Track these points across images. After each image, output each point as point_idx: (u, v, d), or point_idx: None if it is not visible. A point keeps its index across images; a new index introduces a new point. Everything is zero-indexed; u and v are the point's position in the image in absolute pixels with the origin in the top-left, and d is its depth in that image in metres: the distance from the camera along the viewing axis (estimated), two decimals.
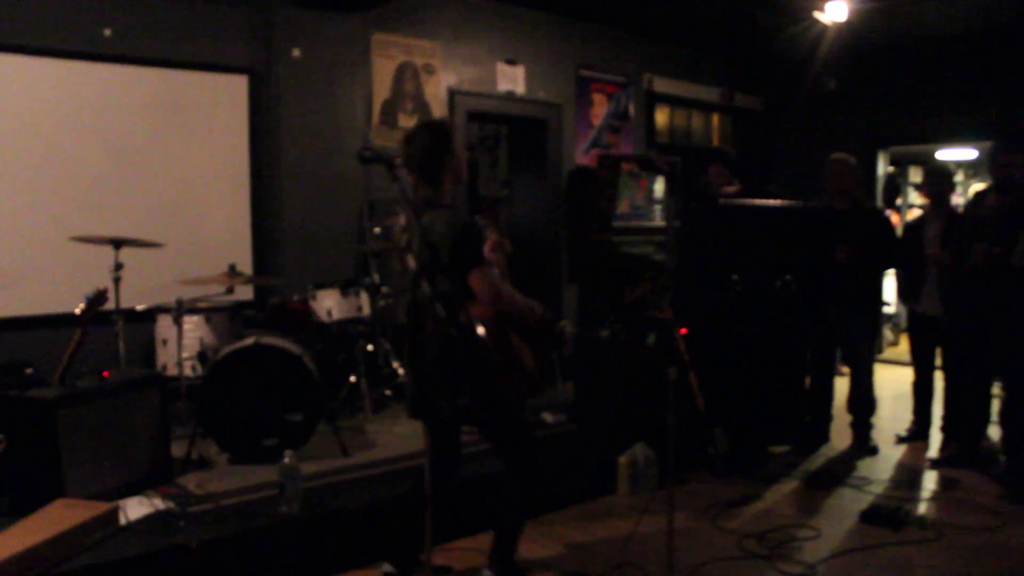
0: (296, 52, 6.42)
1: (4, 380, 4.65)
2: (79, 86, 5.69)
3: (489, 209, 9.32)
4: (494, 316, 3.50)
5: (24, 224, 5.51)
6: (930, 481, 5.45)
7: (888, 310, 9.66)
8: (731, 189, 6.63)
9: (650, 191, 8.62)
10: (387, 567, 3.84)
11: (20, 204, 5.50)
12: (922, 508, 4.96)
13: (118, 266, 5.01)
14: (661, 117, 9.54)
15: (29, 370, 4.93)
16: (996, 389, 5.87)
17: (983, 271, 5.16)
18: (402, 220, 3.66)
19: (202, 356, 5.36)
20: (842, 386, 6.25)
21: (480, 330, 3.42)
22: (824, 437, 6.19)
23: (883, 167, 9.95)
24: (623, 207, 8.31)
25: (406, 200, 3.37)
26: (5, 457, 3.96)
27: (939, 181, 6.12)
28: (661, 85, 9.29)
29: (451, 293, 3.40)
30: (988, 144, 8.93)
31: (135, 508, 3.97)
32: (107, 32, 5.75)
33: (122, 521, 3.80)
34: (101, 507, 3.73)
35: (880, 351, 9.50)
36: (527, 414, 3.93)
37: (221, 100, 6.28)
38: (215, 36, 6.21)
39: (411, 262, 3.57)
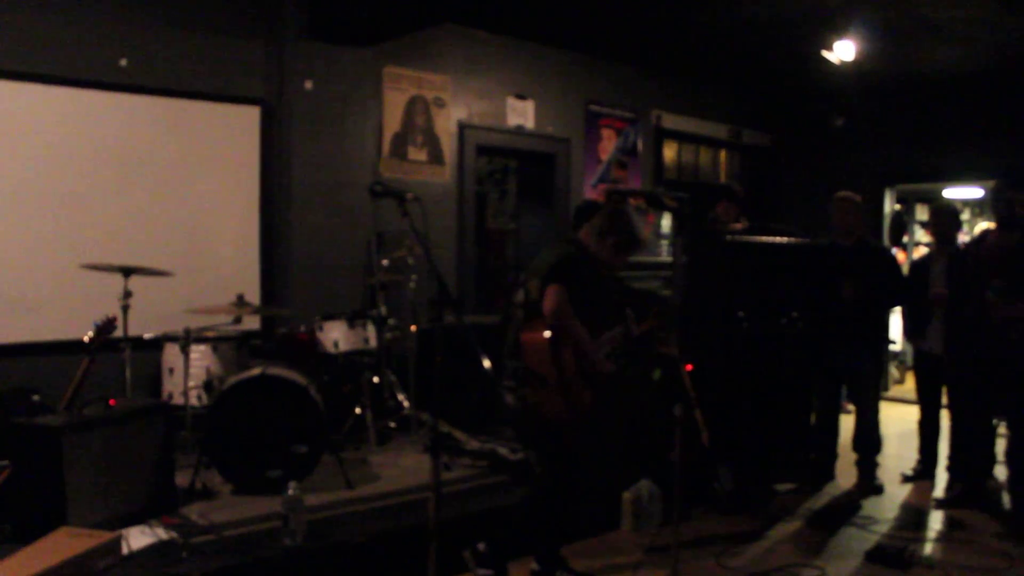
0: (308, 84, 6.49)
1: (11, 406, 4.68)
2: (94, 115, 5.76)
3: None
4: (548, 340, 3.87)
5: (35, 251, 5.55)
6: (936, 521, 5.41)
7: (894, 348, 9.64)
8: (738, 226, 6.65)
9: (657, 226, 8.65)
10: (534, 565, 4.17)
11: (32, 231, 5.55)
12: (928, 548, 4.92)
13: (127, 294, 5.04)
14: (669, 153, 9.58)
15: (36, 397, 4.96)
16: (1002, 429, 5.85)
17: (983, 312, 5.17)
18: (519, 295, 4.11)
19: (208, 385, 5.37)
20: (848, 424, 6.23)
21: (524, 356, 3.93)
22: (829, 475, 6.16)
23: (890, 205, 9.98)
24: None
25: (416, 233, 3.41)
26: (10, 483, 3.96)
27: (945, 220, 6.14)
28: (669, 121, 9.35)
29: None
30: (994, 183, 8.98)
31: (138, 538, 3.96)
32: (123, 62, 5.84)
33: (124, 551, 3.78)
34: (104, 536, 3.71)
35: (886, 389, 9.47)
36: (568, 441, 4.12)
37: (233, 131, 6.35)
38: (229, 67, 6.29)
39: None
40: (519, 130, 7.94)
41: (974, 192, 10.21)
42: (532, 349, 3.92)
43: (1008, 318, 5.13)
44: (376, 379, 6.08)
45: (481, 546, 4.07)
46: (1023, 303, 5.06)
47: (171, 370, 5.47)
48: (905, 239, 11.15)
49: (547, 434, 4.07)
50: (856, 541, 4.98)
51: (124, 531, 3.93)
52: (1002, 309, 5.13)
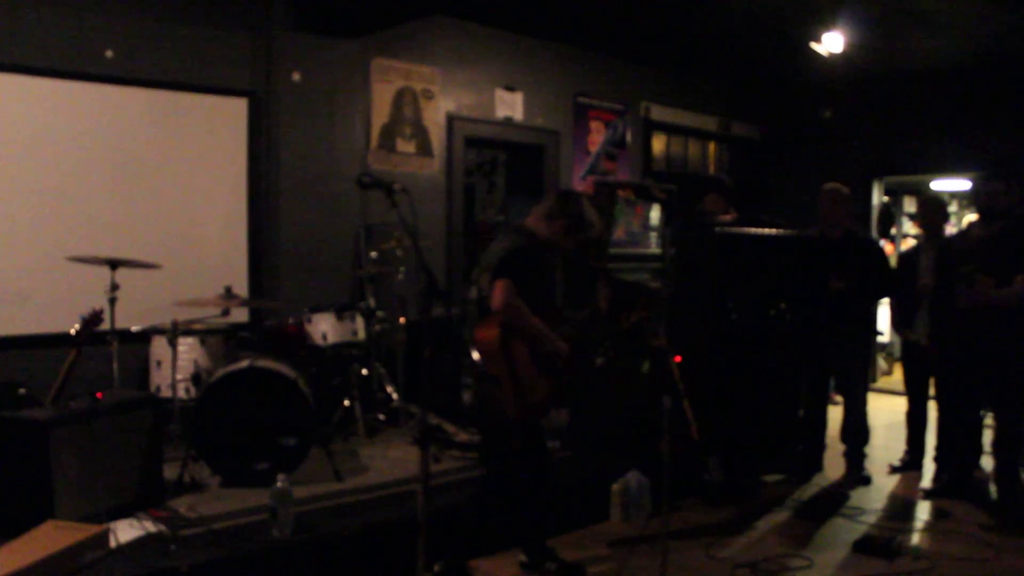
0: (296, 76, 6.46)
1: None
2: (79, 107, 5.71)
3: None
4: (498, 339, 3.80)
5: (21, 243, 5.51)
6: (923, 511, 5.44)
7: (882, 339, 9.68)
8: (727, 218, 6.65)
9: (646, 218, 8.64)
10: (522, 557, 4.25)
11: (17, 223, 5.51)
12: (915, 538, 4.95)
13: (114, 287, 5.01)
14: (658, 145, 9.58)
15: (22, 390, 4.94)
16: (988, 419, 5.88)
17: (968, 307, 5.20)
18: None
19: (196, 378, 5.36)
20: (836, 415, 6.25)
21: (474, 355, 3.64)
22: (817, 466, 6.18)
23: (878, 197, 10.00)
24: (619, 234, 8.33)
25: (405, 225, 3.40)
26: None
27: (933, 211, 6.16)
28: (658, 113, 9.35)
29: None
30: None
31: (126, 531, 3.95)
32: (108, 54, 5.79)
33: (112, 544, 3.77)
34: (91, 529, 3.70)
35: (874, 380, 9.50)
36: (519, 436, 4.08)
37: (221, 123, 6.31)
38: (216, 59, 6.25)
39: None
40: (508, 122, 7.92)
41: (961, 184, 10.25)
42: (484, 347, 3.90)
43: (972, 305, 5.15)
44: (365, 371, 6.07)
45: (438, 567, 4.02)
46: (993, 289, 5.06)
47: (159, 363, 5.45)
48: (893, 231, 11.19)
49: (503, 431, 4.04)
50: (844, 531, 5.01)
51: (112, 524, 3.91)
52: (965, 296, 5.15)
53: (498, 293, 3.83)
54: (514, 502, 4.20)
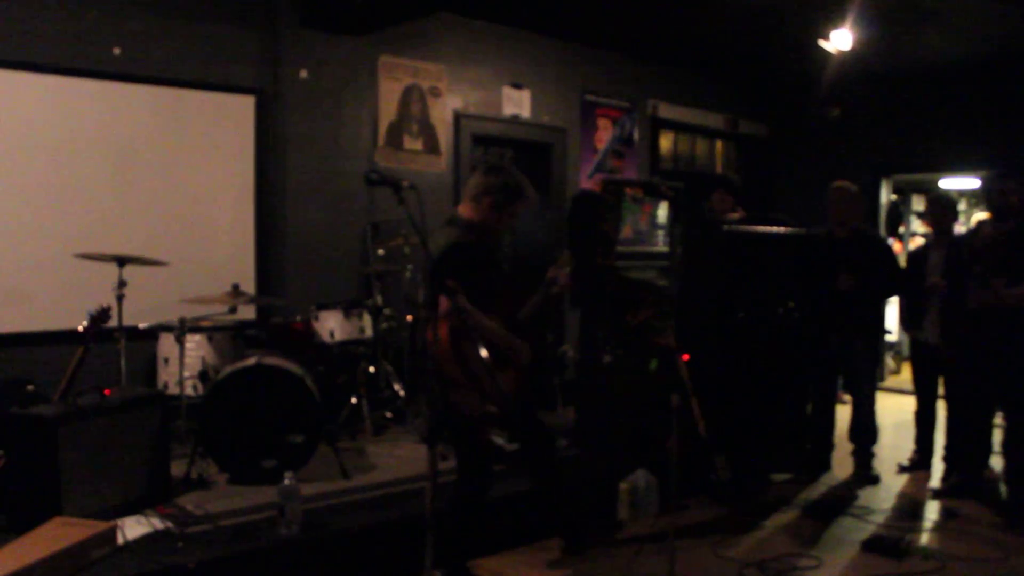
0: (303, 73, 6.46)
1: (5, 396, 4.66)
2: (87, 104, 5.72)
3: None
4: (451, 335, 3.61)
5: (29, 240, 5.52)
6: (932, 511, 5.41)
7: (890, 338, 9.65)
8: (734, 216, 6.64)
9: (653, 217, 8.60)
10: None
11: (25, 220, 5.52)
12: (924, 538, 4.92)
13: (122, 284, 5.02)
14: (665, 143, 9.56)
15: (31, 387, 4.95)
16: (998, 419, 5.85)
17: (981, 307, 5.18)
18: None
19: (203, 375, 5.36)
20: (844, 414, 6.23)
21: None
22: (825, 465, 6.16)
23: (886, 195, 9.97)
24: (626, 232, 8.29)
25: (412, 222, 3.37)
26: (4, 474, 3.95)
27: (943, 210, 6.12)
28: (666, 111, 9.32)
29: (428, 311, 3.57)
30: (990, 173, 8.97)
31: (133, 527, 3.96)
32: (116, 51, 5.79)
33: (120, 540, 3.78)
34: (99, 526, 3.71)
35: (882, 379, 9.47)
36: (487, 432, 4.04)
37: (228, 120, 6.31)
38: (223, 56, 6.25)
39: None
40: (515, 120, 7.91)
41: (971, 182, 10.21)
42: (435, 350, 3.65)
43: (984, 304, 5.13)
44: (372, 369, 6.07)
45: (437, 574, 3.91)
46: (1009, 289, 5.05)
47: (166, 360, 5.45)
48: (901, 229, 11.15)
49: (469, 433, 3.94)
50: (852, 531, 4.98)
51: (119, 521, 3.92)
52: (978, 296, 5.14)
53: (441, 297, 3.57)
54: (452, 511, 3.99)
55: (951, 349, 5.63)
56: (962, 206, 10.77)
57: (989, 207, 5.55)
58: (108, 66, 5.77)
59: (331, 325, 5.79)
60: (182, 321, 5.08)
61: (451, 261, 3.68)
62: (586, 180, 8.47)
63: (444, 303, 3.55)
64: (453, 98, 7.45)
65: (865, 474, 6.01)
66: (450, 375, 3.71)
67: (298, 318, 5.84)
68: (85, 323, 4.51)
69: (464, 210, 4.02)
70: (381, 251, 6.26)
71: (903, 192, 11.04)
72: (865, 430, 6.05)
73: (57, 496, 3.87)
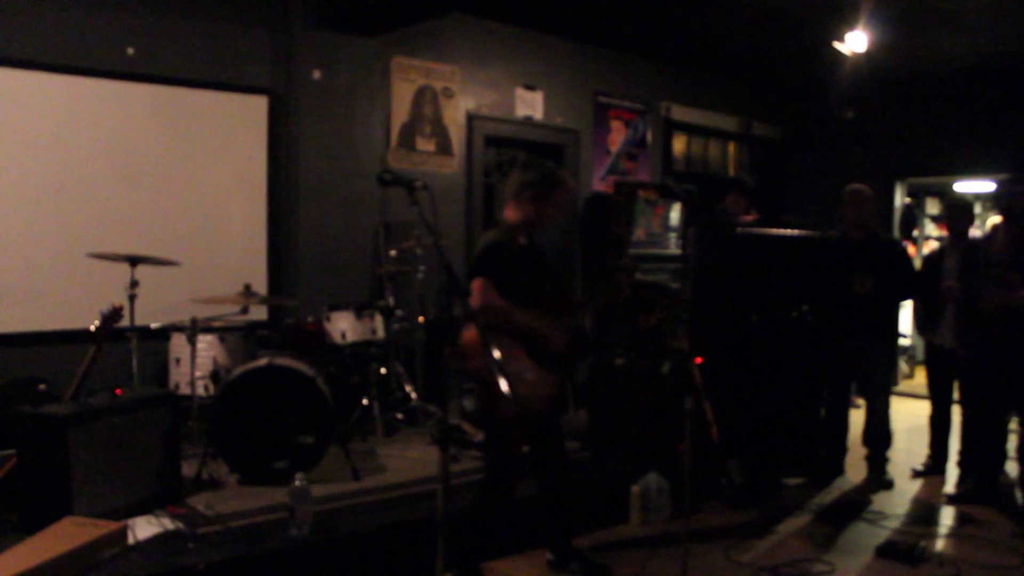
0: (316, 74, 6.46)
1: (17, 395, 4.67)
2: (100, 103, 5.73)
3: None
4: (477, 339, 3.56)
5: (41, 240, 5.53)
6: (947, 517, 5.37)
7: (904, 342, 9.59)
8: (748, 218, 6.61)
9: (666, 219, 8.60)
10: (548, 555, 4.17)
11: (38, 220, 5.53)
12: (939, 544, 4.89)
13: (134, 283, 5.02)
14: (678, 145, 9.53)
15: (42, 386, 4.95)
16: (1013, 424, 5.81)
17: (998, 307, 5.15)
18: None
19: (215, 376, 5.35)
20: (857, 418, 6.19)
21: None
22: (839, 470, 6.13)
23: (900, 198, 9.92)
24: (639, 234, 8.28)
25: (425, 223, 3.37)
26: (15, 473, 3.96)
27: (959, 214, 6.08)
28: (679, 113, 9.29)
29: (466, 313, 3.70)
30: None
31: (144, 528, 3.95)
32: (130, 51, 5.80)
33: (130, 540, 3.78)
34: (110, 526, 3.71)
35: (896, 383, 9.41)
36: (520, 435, 3.99)
37: (240, 120, 6.31)
38: (236, 57, 6.26)
39: None
40: (528, 121, 7.90)
41: (985, 186, 10.15)
42: (470, 350, 3.73)
43: (1000, 304, 5.10)
44: (383, 370, 6.05)
45: None
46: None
47: (178, 360, 5.45)
48: (915, 233, 11.09)
49: (496, 432, 3.96)
50: (866, 536, 4.95)
51: (130, 521, 3.92)
52: (995, 296, 5.10)
53: (475, 294, 3.69)
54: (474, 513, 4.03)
55: (966, 353, 5.59)
56: (977, 209, 10.69)
57: (1000, 211, 5.53)
58: (121, 66, 5.78)
59: (343, 326, 5.78)
60: (194, 321, 5.08)
61: (485, 261, 3.79)
62: (599, 182, 8.45)
63: (476, 302, 3.65)
64: (466, 99, 7.44)
65: (879, 479, 5.98)
66: (480, 373, 3.73)
67: (310, 319, 5.83)
68: (97, 323, 4.50)
69: (508, 212, 4.10)
70: (393, 252, 6.24)
71: (917, 195, 10.98)
72: (879, 434, 6.02)
73: (68, 496, 3.87)
